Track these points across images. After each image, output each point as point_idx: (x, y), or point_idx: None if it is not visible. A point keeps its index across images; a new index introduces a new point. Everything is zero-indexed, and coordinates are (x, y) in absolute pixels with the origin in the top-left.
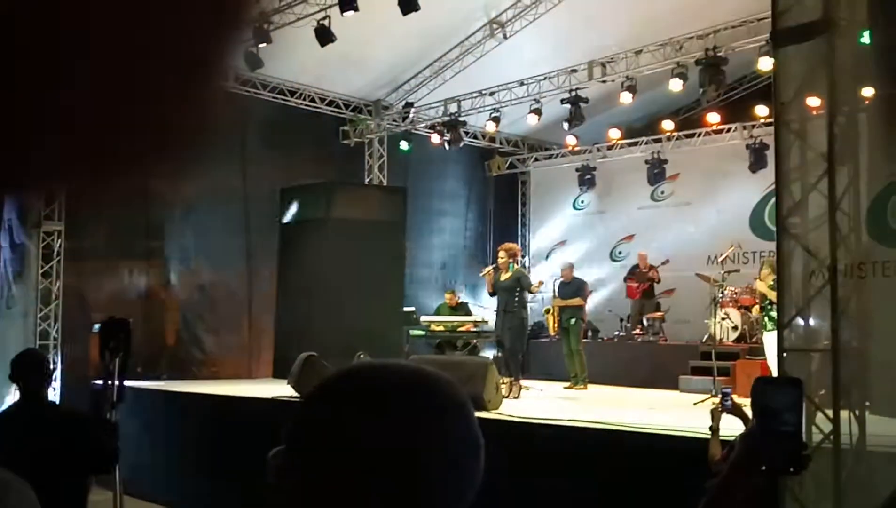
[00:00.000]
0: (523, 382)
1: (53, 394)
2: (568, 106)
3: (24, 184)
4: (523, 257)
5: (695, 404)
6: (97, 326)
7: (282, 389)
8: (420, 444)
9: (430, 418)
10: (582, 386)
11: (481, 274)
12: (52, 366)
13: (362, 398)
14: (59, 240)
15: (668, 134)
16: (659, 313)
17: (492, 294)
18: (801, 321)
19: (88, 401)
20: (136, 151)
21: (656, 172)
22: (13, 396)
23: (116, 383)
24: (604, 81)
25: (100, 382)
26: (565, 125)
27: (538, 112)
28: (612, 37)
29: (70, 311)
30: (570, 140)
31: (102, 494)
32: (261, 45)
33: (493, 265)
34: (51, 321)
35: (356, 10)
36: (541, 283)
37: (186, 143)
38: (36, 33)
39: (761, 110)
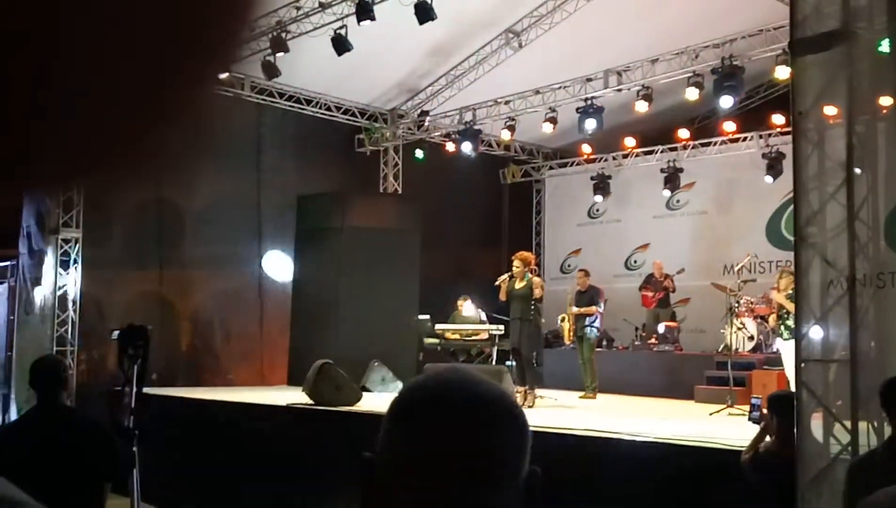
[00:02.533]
0: (538, 391)
1: (69, 400)
2: (583, 114)
3: (40, 180)
4: (538, 265)
5: (710, 414)
6: (116, 332)
7: (297, 396)
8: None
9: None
10: (591, 395)
11: (496, 282)
12: (69, 372)
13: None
14: (77, 247)
15: (683, 143)
16: (674, 323)
17: (505, 302)
18: (819, 331)
19: (105, 407)
20: (141, 139)
21: (672, 180)
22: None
23: (135, 389)
24: (619, 90)
25: (118, 388)
26: (582, 134)
27: (553, 120)
28: (627, 45)
29: (87, 317)
30: (586, 148)
31: (119, 500)
32: (278, 55)
33: (509, 274)
34: (68, 327)
35: (373, 19)
36: (542, 287)
37: (187, 132)
38: (38, 27)
39: (777, 119)
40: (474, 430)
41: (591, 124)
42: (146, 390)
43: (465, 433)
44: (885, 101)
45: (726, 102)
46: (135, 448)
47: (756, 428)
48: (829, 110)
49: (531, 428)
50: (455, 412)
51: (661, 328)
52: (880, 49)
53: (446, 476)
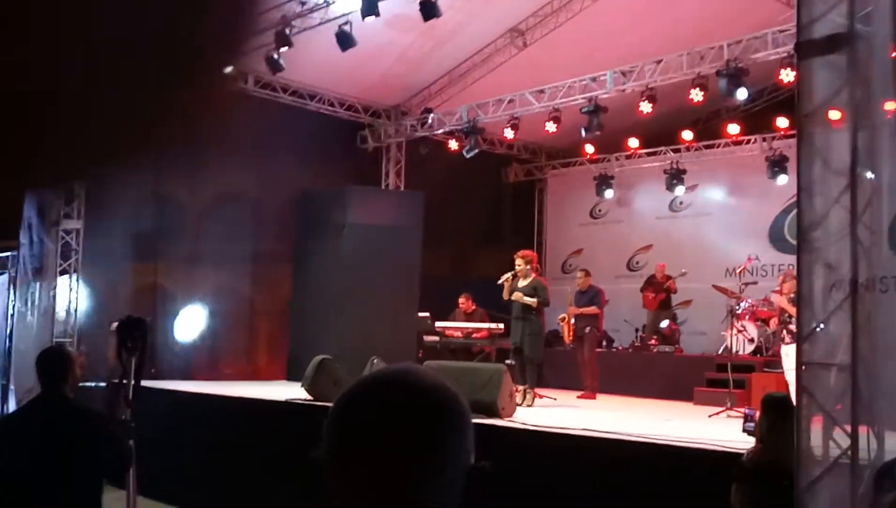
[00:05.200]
0: (537, 390)
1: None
2: (587, 114)
3: (56, 174)
4: (539, 264)
5: (710, 416)
6: (115, 324)
7: (295, 391)
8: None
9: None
10: (590, 395)
11: (499, 281)
12: (76, 364)
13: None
14: (78, 238)
15: (687, 144)
16: (675, 325)
17: (507, 301)
18: (820, 335)
19: (104, 399)
20: (152, 137)
21: (675, 182)
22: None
23: (132, 382)
24: (623, 91)
25: (117, 380)
26: (583, 132)
27: (557, 120)
28: (632, 46)
29: (87, 309)
30: (589, 148)
31: (116, 493)
32: (282, 49)
33: (512, 273)
34: (68, 318)
35: (378, 15)
36: (546, 291)
37: (196, 131)
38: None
39: (781, 122)
40: (403, 424)
41: (588, 136)
42: (144, 383)
43: (393, 427)
44: (891, 105)
45: (742, 94)
46: (132, 442)
47: (750, 439)
48: (834, 114)
49: (531, 428)
50: (384, 406)
51: (664, 323)
52: (886, 53)
53: (374, 468)
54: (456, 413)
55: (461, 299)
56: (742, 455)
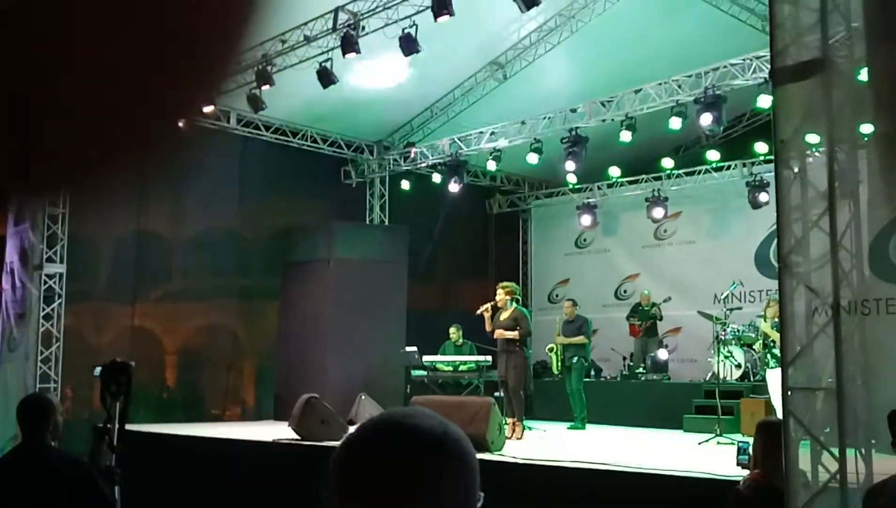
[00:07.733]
0: (526, 422)
1: (55, 440)
2: (568, 144)
3: (31, 186)
4: (524, 295)
5: (699, 444)
6: (98, 369)
7: (283, 431)
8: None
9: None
10: (580, 426)
11: (478, 311)
12: (59, 412)
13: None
14: (61, 282)
15: (668, 172)
16: (664, 353)
17: (491, 333)
18: (805, 359)
19: (88, 445)
20: (130, 158)
21: (658, 209)
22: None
23: (117, 426)
24: (603, 121)
25: (101, 425)
26: (567, 165)
27: (539, 151)
28: (610, 76)
29: (70, 354)
30: (571, 178)
31: None
32: (263, 88)
33: (492, 303)
34: (51, 363)
35: (358, 52)
36: (527, 319)
37: (172, 153)
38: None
39: (761, 147)
40: (407, 468)
41: (570, 166)
42: (129, 426)
43: (397, 471)
44: (866, 128)
45: (706, 119)
46: (117, 488)
47: (744, 473)
48: (811, 139)
49: (520, 461)
50: (389, 450)
51: (661, 353)
52: (860, 78)
53: None
54: (459, 457)
55: (452, 330)
56: (738, 481)
